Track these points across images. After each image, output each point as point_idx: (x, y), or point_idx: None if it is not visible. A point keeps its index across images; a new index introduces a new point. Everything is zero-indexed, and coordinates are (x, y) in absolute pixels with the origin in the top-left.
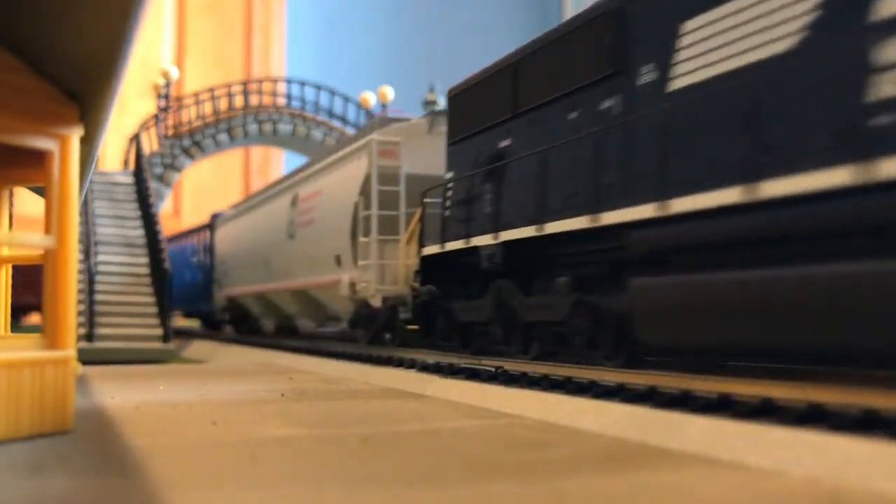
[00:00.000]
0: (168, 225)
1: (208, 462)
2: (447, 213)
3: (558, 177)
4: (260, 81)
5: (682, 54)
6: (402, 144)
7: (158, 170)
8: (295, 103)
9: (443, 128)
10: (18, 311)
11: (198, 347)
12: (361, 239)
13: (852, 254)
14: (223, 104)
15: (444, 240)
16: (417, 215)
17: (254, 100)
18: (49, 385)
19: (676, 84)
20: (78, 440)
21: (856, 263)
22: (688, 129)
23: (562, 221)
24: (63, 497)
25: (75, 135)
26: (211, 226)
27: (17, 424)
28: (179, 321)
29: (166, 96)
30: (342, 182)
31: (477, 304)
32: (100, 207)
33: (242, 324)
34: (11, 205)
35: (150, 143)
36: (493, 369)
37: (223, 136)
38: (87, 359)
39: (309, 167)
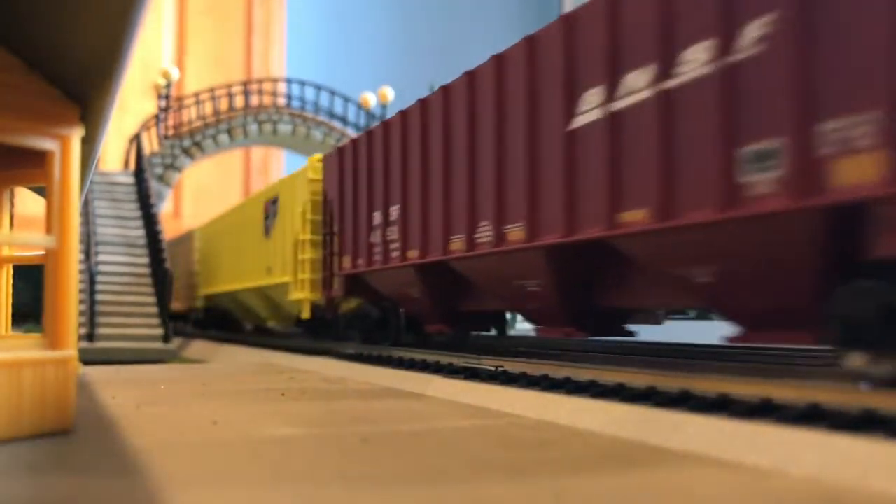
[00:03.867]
0: (169, 226)
1: (209, 462)
2: None
3: None
4: (260, 81)
5: None
6: None
7: (159, 170)
8: (295, 103)
9: None
10: None
11: (198, 347)
12: None
13: None
14: (223, 104)
15: None
16: None
17: (254, 100)
18: (50, 385)
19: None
20: (78, 440)
21: None
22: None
23: None
24: (63, 497)
25: (76, 135)
26: None
27: (17, 424)
28: None
29: (167, 96)
30: None
31: None
32: (101, 207)
33: None
34: (12, 205)
35: (150, 144)
36: (493, 369)
37: (223, 137)
38: (87, 358)
39: None
